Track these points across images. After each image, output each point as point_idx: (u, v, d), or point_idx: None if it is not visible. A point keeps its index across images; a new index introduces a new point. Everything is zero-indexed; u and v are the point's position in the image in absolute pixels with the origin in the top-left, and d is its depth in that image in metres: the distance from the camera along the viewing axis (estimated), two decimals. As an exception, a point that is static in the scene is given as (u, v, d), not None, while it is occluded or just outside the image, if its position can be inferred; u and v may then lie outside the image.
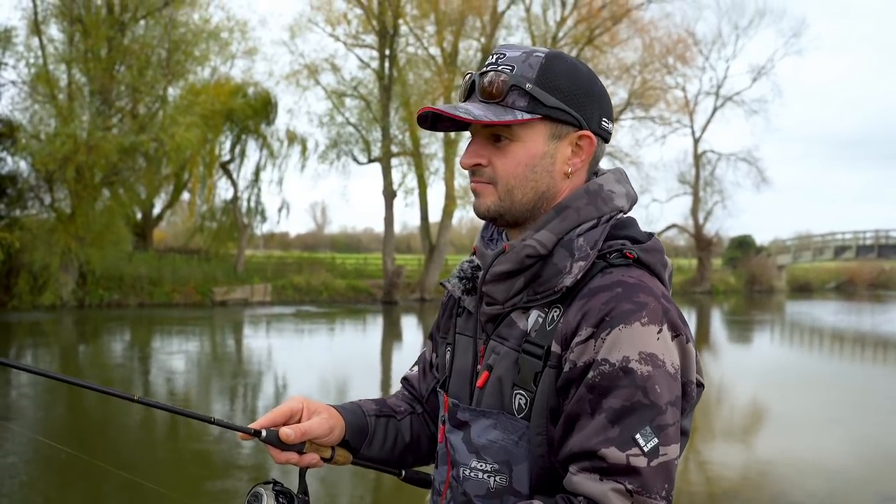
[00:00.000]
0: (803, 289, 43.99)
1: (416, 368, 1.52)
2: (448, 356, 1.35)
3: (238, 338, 18.79)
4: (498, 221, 1.25)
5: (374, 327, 22.71)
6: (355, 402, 1.43)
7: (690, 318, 27.91)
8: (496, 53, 1.21)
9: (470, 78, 1.22)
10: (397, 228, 35.52)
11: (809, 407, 10.93)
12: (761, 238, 46.84)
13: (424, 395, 1.48)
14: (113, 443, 7.93)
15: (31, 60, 23.34)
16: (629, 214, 1.26)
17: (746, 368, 15.24)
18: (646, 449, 1.05)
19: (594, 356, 1.09)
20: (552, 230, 1.18)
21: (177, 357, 14.50)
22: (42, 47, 23.15)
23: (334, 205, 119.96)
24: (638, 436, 1.06)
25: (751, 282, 41.45)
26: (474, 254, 1.33)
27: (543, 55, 1.19)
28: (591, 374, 1.09)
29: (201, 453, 7.65)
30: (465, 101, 1.21)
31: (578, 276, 1.15)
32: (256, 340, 18.09)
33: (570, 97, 1.18)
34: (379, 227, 37.17)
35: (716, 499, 6.60)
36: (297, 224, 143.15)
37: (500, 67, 1.18)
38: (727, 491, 6.81)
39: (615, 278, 1.14)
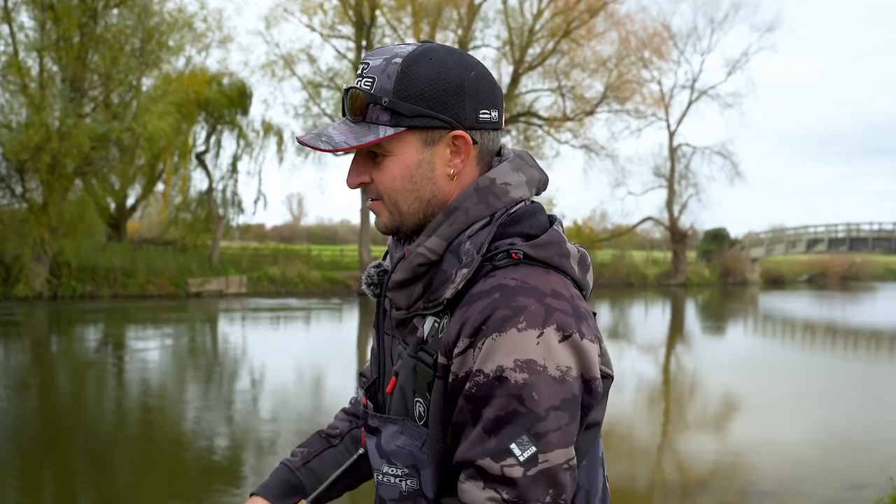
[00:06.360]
0: (776, 281, 44.46)
1: (370, 359, 1.51)
2: (377, 353, 1.33)
3: (213, 329, 18.68)
4: (397, 234, 1.22)
5: (350, 318, 22.68)
6: (283, 462, 1.44)
7: (665, 311, 28.15)
8: (362, 63, 1.16)
9: (343, 93, 1.18)
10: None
11: (780, 397, 11.09)
12: (735, 231, 47.27)
13: None
14: (85, 442, 7.87)
15: (2, 48, 23.00)
16: (535, 199, 1.20)
17: (719, 359, 15.42)
18: (521, 458, 1.03)
19: (471, 367, 1.06)
20: (441, 235, 1.15)
21: (151, 348, 14.39)
22: (13, 35, 22.79)
23: (311, 196, 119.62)
24: (513, 445, 1.03)
25: (725, 274, 41.81)
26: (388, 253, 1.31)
27: (401, 60, 1.12)
28: (468, 385, 1.06)
29: (177, 453, 7.61)
30: (342, 117, 1.18)
31: (460, 286, 1.11)
32: (232, 332, 17.99)
33: (433, 100, 1.12)
34: (355, 219, 37.11)
35: (688, 488, 6.69)
36: (273, 216, 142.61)
37: (362, 82, 1.14)
38: (699, 480, 6.91)
39: (496, 282, 1.09)
